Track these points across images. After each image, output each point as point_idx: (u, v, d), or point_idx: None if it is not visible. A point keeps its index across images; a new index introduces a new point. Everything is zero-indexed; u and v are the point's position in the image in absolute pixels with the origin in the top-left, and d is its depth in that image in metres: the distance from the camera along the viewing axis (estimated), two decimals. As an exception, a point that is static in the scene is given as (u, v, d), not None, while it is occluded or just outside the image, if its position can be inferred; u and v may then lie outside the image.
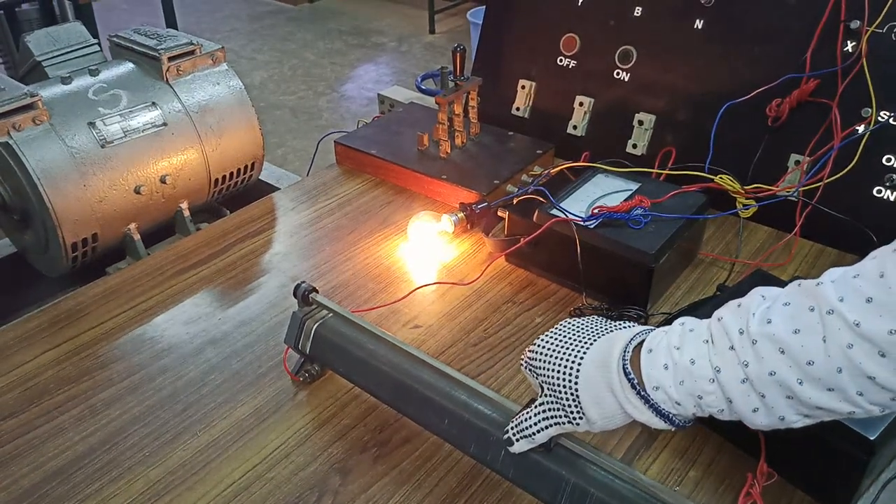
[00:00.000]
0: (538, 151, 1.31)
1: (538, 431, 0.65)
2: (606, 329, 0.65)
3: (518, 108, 1.41)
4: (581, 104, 1.33)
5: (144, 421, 0.84)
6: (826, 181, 1.05)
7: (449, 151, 1.29)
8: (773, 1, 1.13)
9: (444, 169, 1.26)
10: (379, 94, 1.71)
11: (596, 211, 0.99)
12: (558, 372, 0.63)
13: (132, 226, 1.15)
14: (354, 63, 4.41)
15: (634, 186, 1.08)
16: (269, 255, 1.14)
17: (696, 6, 1.20)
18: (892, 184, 1.05)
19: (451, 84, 1.26)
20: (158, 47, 1.17)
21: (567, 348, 0.64)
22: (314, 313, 0.86)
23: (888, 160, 1.06)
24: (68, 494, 0.76)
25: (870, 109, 1.05)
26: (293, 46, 4.65)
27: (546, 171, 1.20)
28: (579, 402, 0.62)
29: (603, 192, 1.08)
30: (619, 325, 0.65)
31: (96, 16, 4.94)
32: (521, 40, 1.41)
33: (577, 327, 0.67)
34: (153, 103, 1.15)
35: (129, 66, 1.20)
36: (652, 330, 0.62)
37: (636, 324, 0.65)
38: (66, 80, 1.12)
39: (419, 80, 1.59)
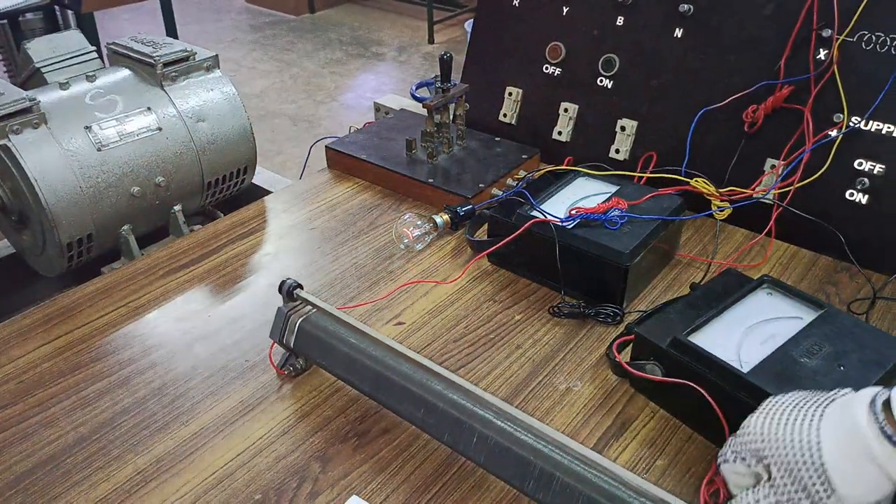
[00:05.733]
0: (523, 156, 1.34)
1: None
2: (823, 399, 0.62)
3: (506, 115, 1.45)
4: (566, 110, 1.37)
5: (133, 412, 0.87)
6: (797, 185, 1.08)
7: (437, 156, 1.33)
8: (748, 11, 1.17)
9: (431, 173, 1.29)
10: (375, 102, 1.75)
11: (573, 212, 1.02)
12: (797, 452, 0.59)
13: (127, 227, 1.19)
14: (354, 72, 4.47)
15: (613, 189, 1.11)
16: (259, 256, 1.17)
17: (676, 16, 1.24)
18: (864, 187, 1.08)
19: (438, 91, 1.29)
20: (154, 54, 1.21)
21: (797, 426, 0.60)
22: (298, 309, 0.89)
23: (860, 164, 1.09)
24: (58, 480, 0.79)
25: (841, 115, 1.09)
26: (294, 56, 4.71)
27: (529, 175, 1.23)
28: (827, 480, 0.57)
29: (583, 194, 1.12)
30: (836, 392, 0.62)
31: (100, 25, 5.00)
32: (509, 49, 1.44)
33: (791, 403, 0.64)
34: (148, 108, 1.19)
35: (126, 72, 1.24)
36: (885, 388, 0.58)
37: (841, 392, 0.61)
38: (64, 86, 1.16)
39: (414, 87, 1.62)
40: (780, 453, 0.61)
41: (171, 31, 2.58)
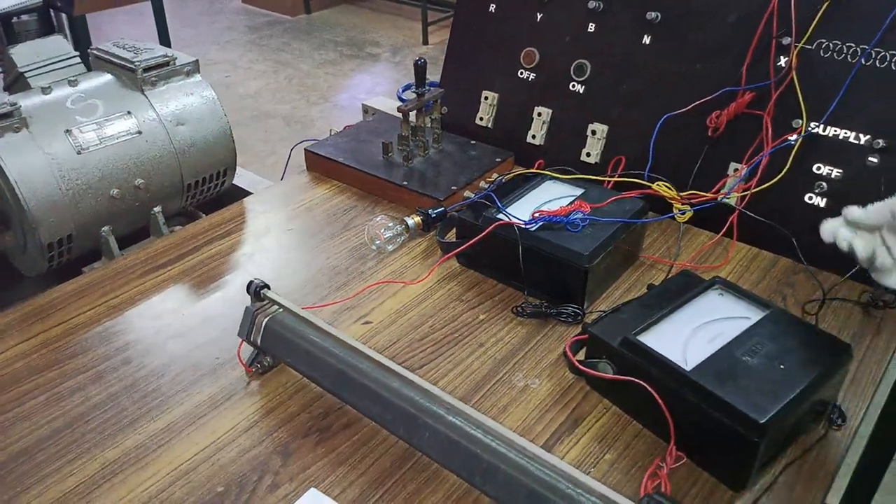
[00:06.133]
0: (497, 159, 1.37)
1: None
2: None
3: (482, 119, 1.48)
4: (539, 115, 1.40)
5: (105, 407, 0.91)
6: (754, 189, 1.11)
7: (412, 159, 1.36)
8: (713, 19, 1.20)
9: (406, 176, 1.32)
10: (363, 104, 1.78)
11: (536, 215, 1.05)
12: None
13: (107, 228, 1.22)
14: (348, 73, 4.50)
15: (580, 192, 1.14)
16: (235, 256, 1.20)
17: (644, 23, 1.27)
18: (822, 191, 1.11)
19: (413, 95, 1.32)
20: (134, 59, 1.24)
21: None
22: (265, 308, 0.92)
23: (818, 168, 1.12)
24: (30, 472, 0.82)
25: (800, 120, 1.12)
26: (289, 57, 4.74)
27: (500, 178, 1.26)
28: None
29: (549, 197, 1.15)
30: None
31: (98, 27, 5.05)
32: (485, 54, 1.47)
33: None
34: (128, 112, 1.22)
35: (108, 77, 1.27)
36: None
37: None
38: (46, 91, 1.20)
39: (401, 90, 1.64)
40: None
41: (163, 34, 2.61)
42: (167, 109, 1.26)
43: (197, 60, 1.33)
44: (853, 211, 0.90)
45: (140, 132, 1.22)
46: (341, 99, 4.16)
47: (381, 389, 0.81)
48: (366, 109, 1.75)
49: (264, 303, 0.92)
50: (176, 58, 1.27)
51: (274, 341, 0.91)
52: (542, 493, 0.69)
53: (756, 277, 1.11)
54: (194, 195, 1.34)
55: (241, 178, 1.53)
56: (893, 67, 1.05)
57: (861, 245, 0.88)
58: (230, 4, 5.76)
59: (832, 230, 0.91)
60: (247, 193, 1.48)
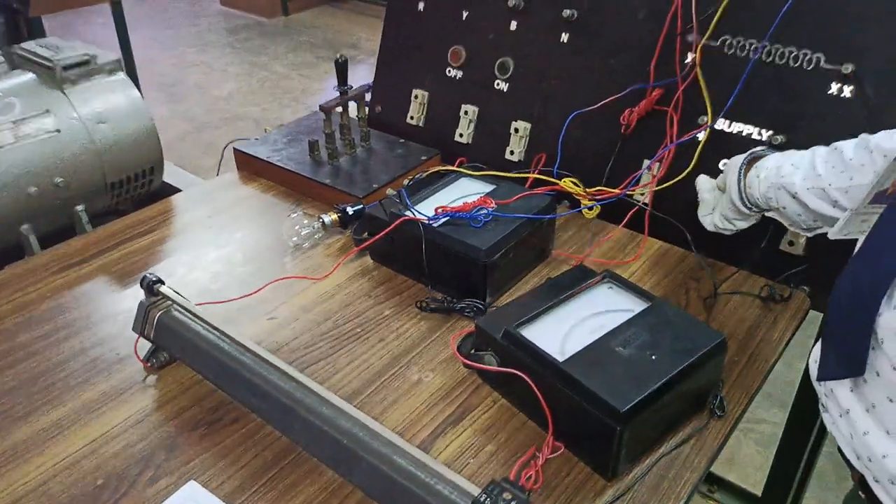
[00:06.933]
0: (423, 158, 1.38)
1: None
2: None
3: (412, 117, 1.49)
4: (466, 113, 1.41)
5: (0, 402, 0.91)
6: (658, 186, 1.12)
7: (338, 157, 1.37)
8: (625, 16, 1.21)
9: (330, 174, 1.33)
10: (320, 106, 1.77)
11: (439, 211, 1.06)
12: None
13: (27, 226, 1.23)
14: (323, 76, 4.50)
15: (491, 189, 1.15)
16: (152, 253, 1.21)
17: (562, 20, 1.28)
18: (728, 186, 1.12)
19: (337, 93, 1.33)
20: (53, 58, 1.24)
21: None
22: (159, 303, 0.93)
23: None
24: (-87, 466, 0.83)
25: (705, 116, 1.13)
26: (264, 59, 4.74)
27: (419, 175, 1.27)
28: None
29: (462, 194, 1.15)
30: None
31: (73, 28, 5.03)
32: (415, 52, 1.48)
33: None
34: (47, 111, 1.23)
35: (29, 76, 1.28)
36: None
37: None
38: (-36, 90, 1.20)
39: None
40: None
41: (123, 35, 2.61)
42: (88, 108, 1.26)
43: (120, 59, 1.33)
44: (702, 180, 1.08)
45: (59, 130, 1.22)
46: (314, 101, 4.16)
47: (261, 382, 0.82)
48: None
49: (158, 298, 0.93)
50: (97, 56, 1.28)
51: (166, 336, 0.91)
52: (398, 480, 0.69)
53: (664, 272, 1.13)
54: (119, 194, 1.34)
55: (174, 177, 1.53)
56: (792, 63, 1.06)
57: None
58: (210, 7, 5.76)
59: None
60: (178, 191, 1.49)
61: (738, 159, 0.99)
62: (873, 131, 0.84)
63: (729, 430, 0.86)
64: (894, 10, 0.99)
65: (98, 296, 1.11)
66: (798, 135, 1.06)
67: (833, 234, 0.76)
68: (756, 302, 1.05)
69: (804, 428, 1.28)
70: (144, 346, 0.97)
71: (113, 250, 1.21)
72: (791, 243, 1.08)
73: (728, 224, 1.02)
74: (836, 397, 0.70)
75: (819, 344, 0.76)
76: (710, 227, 1.05)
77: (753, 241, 1.09)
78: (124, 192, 1.36)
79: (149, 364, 0.95)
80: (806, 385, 1.25)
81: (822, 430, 1.31)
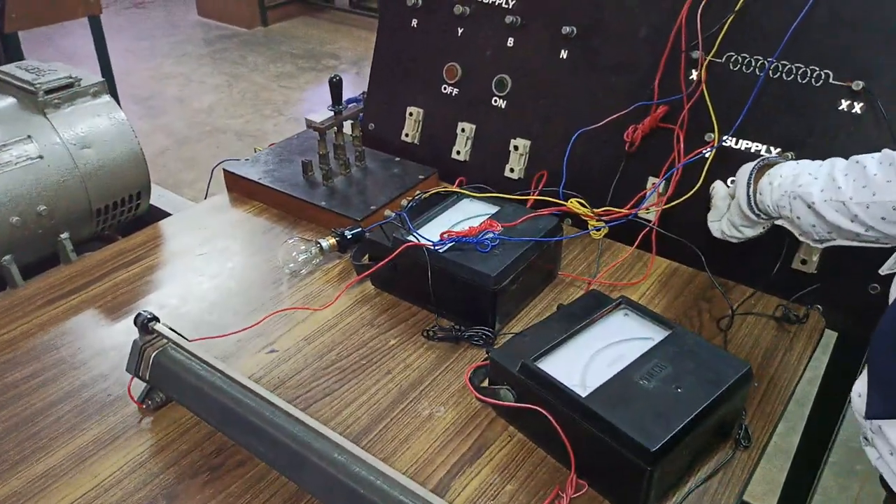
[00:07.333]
0: (420, 177, 1.35)
1: None
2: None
3: (407, 135, 1.45)
4: (463, 130, 1.38)
5: (-16, 451, 0.86)
6: (667, 205, 1.10)
7: (333, 178, 1.33)
8: (625, 33, 1.19)
9: (325, 195, 1.29)
10: (306, 119, 1.72)
11: (445, 236, 1.02)
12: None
13: (8, 257, 1.17)
14: (304, 87, 4.45)
15: (495, 210, 1.12)
16: (142, 283, 1.16)
17: (561, 37, 1.25)
18: (737, 204, 1.10)
19: (331, 113, 1.29)
20: (35, 81, 1.19)
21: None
22: (154, 342, 0.88)
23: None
24: None
25: (713, 134, 1.11)
26: (244, 70, 4.68)
27: (418, 196, 1.23)
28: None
29: (464, 216, 1.12)
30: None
31: (54, 42, 4.92)
32: (409, 69, 1.45)
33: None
34: (28, 136, 1.17)
35: (10, 100, 1.22)
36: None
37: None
38: (-60, 115, 1.15)
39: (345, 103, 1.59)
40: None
41: (101, 49, 2.55)
42: (72, 132, 1.21)
43: (104, 81, 1.28)
44: (718, 186, 1.06)
45: (41, 157, 1.17)
46: (296, 112, 4.11)
47: (267, 426, 0.77)
48: (309, 124, 1.70)
49: (153, 336, 0.88)
50: (81, 79, 1.23)
51: (163, 376, 0.87)
52: (421, 534, 0.66)
53: (674, 293, 1.10)
54: (106, 220, 1.29)
55: (161, 199, 1.48)
56: (800, 80, 1.04)
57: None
58: (187, 18, 5.69)
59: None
60: (166, 215, 1.44)
61: (749, 166, 0.97)
62: (883, 147, 0.82)
63: (756, 461, 0.83)
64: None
65: (86, 331, 1.06)
66: (807, 152, 1.03)
67: (885, 269, 0.74)
68: (771, 323, 1.03)
69: (821, 443, 1.26)
70: (138, 385, 0.92)
71: (100, 281, 1.16)
72: (804, 262, 1.06)
73: (735, 231, 1.00)
74: (886, 435, 0.68)
75: (863, 378, 0.73)
76: (716, 234, 1.04)
77: (765, 259, 1.06)
78: (110, 218, 1.30)
79: (144, 405, 0.90)
80: (821, 402, 1.23)
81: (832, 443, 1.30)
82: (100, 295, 1.13)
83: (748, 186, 0.95)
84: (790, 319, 1.02)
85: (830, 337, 1.11)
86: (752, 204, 0.95)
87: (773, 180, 0.91)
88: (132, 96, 4.21)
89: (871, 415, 0.69)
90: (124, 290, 1.14)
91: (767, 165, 0.95)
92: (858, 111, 1.00)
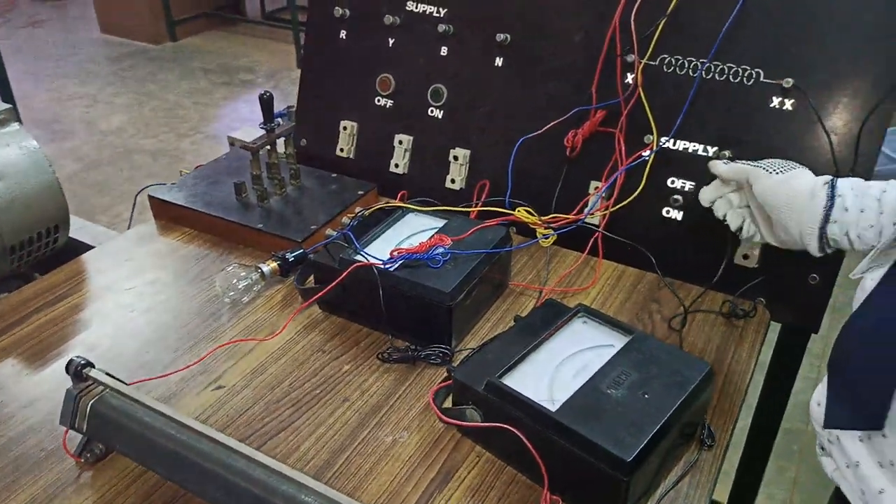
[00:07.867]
0: (360, 192, 1.31)
1: None
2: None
3: (342, 150, 1.41)
4: (401, 142, 1.35)
5: None
6: (612, 208, 1.11)
7: (268, 199, 1.27)
8: (561, 39, 1.19)
9: (261, 217, 1.23)
10: (228, 137, 1.64)
11: (395, 254, 0.99)
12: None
13: (-89, 305, 1.06)
14: (220, 102, 4.31)
15: (441, 224, 1.10)
16: (68, 324, 1.07)
17: (494, 45, 1.24)
18: (678, 204, 1.12)
19: (261, 131, 1.24)
20: (-68, 112, 1.09)
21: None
22: (90, 389, 0.81)
23: (672, 182, 1.12)
24: None
25: (651, 136, 1.12)
26: (154, 88, 4.50)
27: (360, 213, 1.20)
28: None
29: (411, 231, 1.09)
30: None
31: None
32: (340, 83, 1.41)
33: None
34: (-72, 172, 1.07)
35: None
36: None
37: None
38: None
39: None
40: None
41: (1, 74, 2.38)
42: (-23, 165, 1.11)
43: (12, 107, 1.19)
44: (717, 165, 1.00)
45: (-56, 193, 1.07)
46: (213, 129, 3.98)
47: (222, 470, 0.72)
48: (232, 142, 1.63)
49: (88, 383, 0.81)
50: (-16, 107, 1.13)
51: (102, 426, 0.80)
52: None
53: (624, 295, 1.10)
54: (21, 257, 1.19)
55: (82, 231, 1.39)
56: (732, 80, 1.07)
57: (733, 219, 0.99)
58: (89, 35, 5.42)
59: (709, 198, 1.01)
60: (88, 248, 1.34)
61: (816, 218, 0.86)
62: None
63: (721, 459, 0.84)
64: (833, 28, 1.01)
65: (11, 380, 0.97)
66: (743, 150, 1.06)
67: (856, 273, 0.73)
68: (720, 319, 1.05)
69: (769, 433, 1.30)
70: (74, 436, 0.84)
71: (21, 324, 1.06)
72: (745, 256, 1.08)
73: (750, 228, 0.98)
74: (843, 447, 0.69)
75: (823, 386, 0.74)
76: (705, 204, 1.02)
77: (709, 256, 1.08)
78: (26, 255, 1.21)
79: (82, 459, 0.83)
80: (767, 393, 1.27)
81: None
82: (22, 339, 1.04)
83: (820, 238, 0.87)
84: (737, 314, 1.04)
85: (775, 328, 1.14)
86: (823, 244, 0.87)
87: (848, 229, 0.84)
88: (34, 120, 3.97)
89: (830, 425, 0.70)
90: (49, 333, 1.05)
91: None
92: (790, 107, 1.04)
